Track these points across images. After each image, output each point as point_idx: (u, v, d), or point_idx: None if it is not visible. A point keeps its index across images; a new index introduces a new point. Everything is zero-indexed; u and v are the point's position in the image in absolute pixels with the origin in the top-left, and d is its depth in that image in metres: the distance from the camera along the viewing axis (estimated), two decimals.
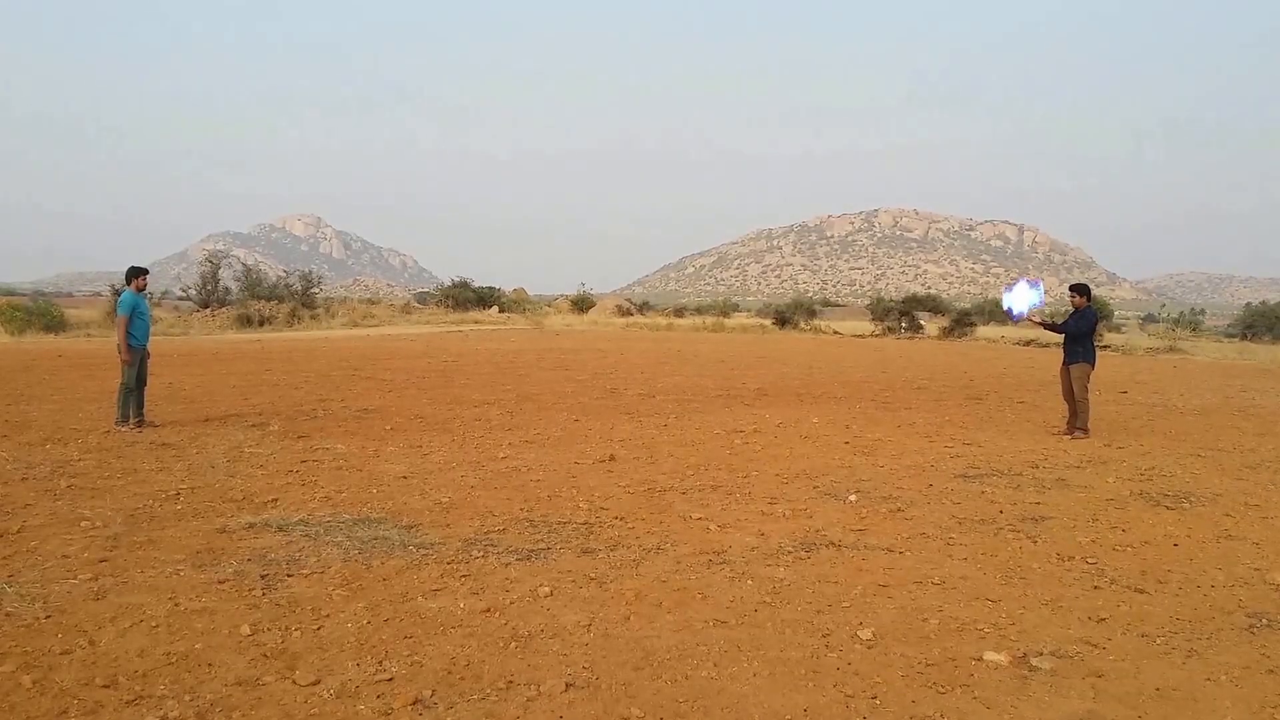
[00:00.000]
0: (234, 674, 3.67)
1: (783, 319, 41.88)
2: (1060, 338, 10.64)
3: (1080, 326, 10.37)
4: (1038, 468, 8.27)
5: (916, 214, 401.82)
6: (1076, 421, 10.25)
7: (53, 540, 5.43)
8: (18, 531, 5.59)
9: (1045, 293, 11.18)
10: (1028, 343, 30.30)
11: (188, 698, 3.46)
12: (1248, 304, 58.55)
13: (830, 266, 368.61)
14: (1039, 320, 10.74)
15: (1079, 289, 10.56)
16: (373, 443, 9.01)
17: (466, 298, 51.21)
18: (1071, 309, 10.57)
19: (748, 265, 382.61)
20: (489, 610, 4.41)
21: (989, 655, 3.97)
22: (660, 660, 3.88)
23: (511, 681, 3.65)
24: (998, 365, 21.34)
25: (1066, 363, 10.40)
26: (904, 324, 38.03)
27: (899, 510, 6.56)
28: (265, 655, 3.86)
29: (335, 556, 5.20)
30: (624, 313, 53.91)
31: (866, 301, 49.61)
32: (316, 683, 3.60)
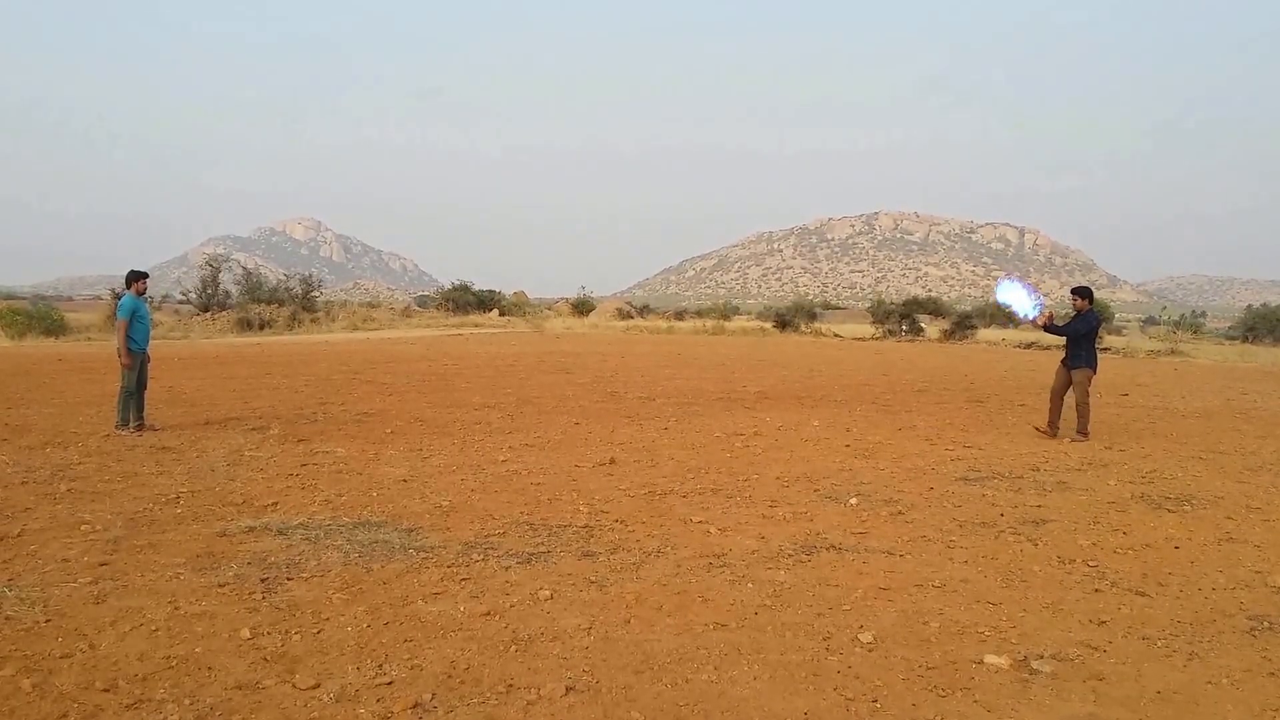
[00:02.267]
0: (234, 677, 3.67)
1: (783, 322, 41.95)
2: (1062, 340, 10.64)
3: (1081, 329, 10.37)
4: (1039, 470, 8.27)
5: (917, 216, 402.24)
6: (1071, 424, 10.24)
7: (53, 544, 5.43)
8: (18, 535, 5.59)
9: (1045, 295, 11.18)
10: (1028, 345, 30.29)
11: (188, 701, 3.46)
12: (1249, 306, 58.57)
13: (831, 269, 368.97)
14: (1042, 323, 10.73)
15: (1080, 292, 10.55)
16: (373, 446, 9.00)
17: (467, 301, 51.31)
18: (1073, 312, 10.57)
19: (748, 268, 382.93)
20: (489, 613, 4.40)
21: (990, 658, 3.97)
22: (660, 663, 3.88)
23: (511, 685, 3.65)
24: (999, 368, 21.34)
25: (1069, 366, 10.40)
26: (904, 327, 38.07)
27: (900, 513, 6.56)
28: (265, 659, 3.86)
29: (335, 560, 5.19)
30: (624, 316, 53.94)
31: (867, 304, 49.61)
32: (316, 686, 3.60)
